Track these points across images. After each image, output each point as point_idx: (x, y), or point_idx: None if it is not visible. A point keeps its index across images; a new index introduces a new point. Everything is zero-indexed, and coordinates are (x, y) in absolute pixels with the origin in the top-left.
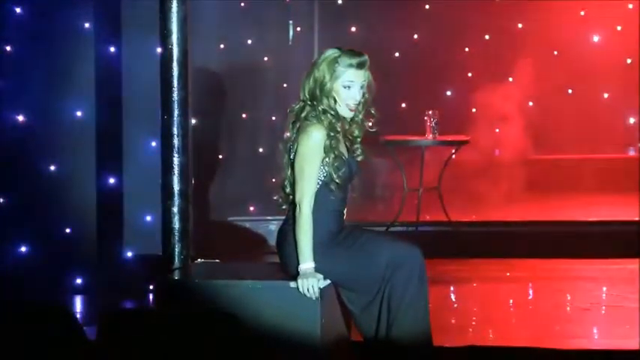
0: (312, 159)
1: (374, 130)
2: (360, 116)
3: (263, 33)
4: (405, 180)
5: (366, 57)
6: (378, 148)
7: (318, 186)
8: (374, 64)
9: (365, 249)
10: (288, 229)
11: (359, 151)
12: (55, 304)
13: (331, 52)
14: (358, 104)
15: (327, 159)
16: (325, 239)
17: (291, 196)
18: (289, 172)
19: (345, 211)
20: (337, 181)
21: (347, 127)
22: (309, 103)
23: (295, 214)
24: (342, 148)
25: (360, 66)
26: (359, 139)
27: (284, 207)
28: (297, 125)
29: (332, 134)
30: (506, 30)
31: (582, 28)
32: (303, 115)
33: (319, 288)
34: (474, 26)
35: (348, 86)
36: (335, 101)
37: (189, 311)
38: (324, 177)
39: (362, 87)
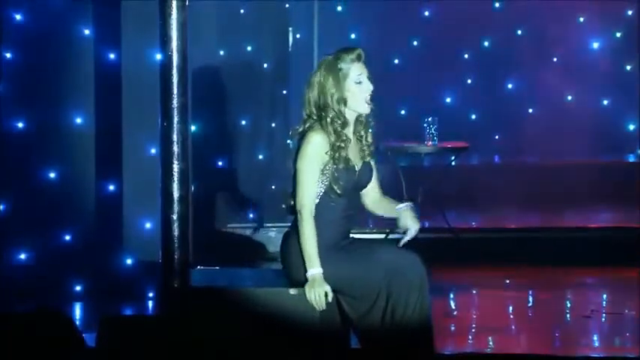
0: (310, 164)
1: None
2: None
3: (263, 39)
4: (404, 186)
5: (360, 49)
6: (378, 154)
7: (321, 192)
8: (374, 70)
9: (365, 256)
10: (291, 235)
11: (367, 152)
12: (54, 311)
13: (328, 57)
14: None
15: (328, 167)
16: (330, 242)
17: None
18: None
19: (356, 214)
20: (338, 191)
21: (357, 129)
22: (314, 116)
23: (297, 221)
24: (352, 155)
25: (360, 57)
26: (369, 140)
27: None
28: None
29: (338, 144)
30: (504, 36)
31: (581, 34)
32: (307, 127)
33: (325, 297)
34: (473, 33)
35: (359, 81)
36: (345, 104)
37: (188, 317)
38: (326, 184)
39: (369, 77)
